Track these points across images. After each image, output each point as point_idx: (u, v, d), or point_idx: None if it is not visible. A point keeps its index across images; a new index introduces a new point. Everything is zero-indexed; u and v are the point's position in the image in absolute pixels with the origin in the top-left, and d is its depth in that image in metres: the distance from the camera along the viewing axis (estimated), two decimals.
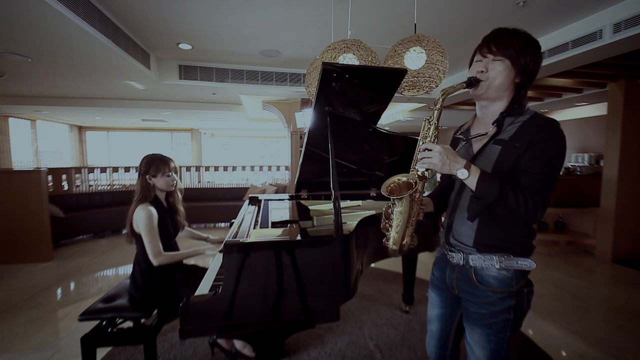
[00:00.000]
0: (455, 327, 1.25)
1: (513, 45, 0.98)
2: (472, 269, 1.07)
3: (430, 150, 0.96)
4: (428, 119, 1.03)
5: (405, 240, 1.08)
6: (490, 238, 1.04)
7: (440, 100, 1.00)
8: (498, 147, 1.02)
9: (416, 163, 1.02)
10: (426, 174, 1.02)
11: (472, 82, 1.02)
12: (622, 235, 4.04)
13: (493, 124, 1.05)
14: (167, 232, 1.85)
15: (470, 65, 1.10)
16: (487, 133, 1.06)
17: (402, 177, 1.05)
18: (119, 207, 5.25)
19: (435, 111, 1.01)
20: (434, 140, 1.01)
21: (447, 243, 1.17)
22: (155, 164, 1.80)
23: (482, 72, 1.02)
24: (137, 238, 1.78)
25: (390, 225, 1.07)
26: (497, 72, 1.00)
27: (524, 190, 0.93)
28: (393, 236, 1.07)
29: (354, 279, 1.40)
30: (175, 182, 1.89)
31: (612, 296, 3.05)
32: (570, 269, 3.75)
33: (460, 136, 1.17)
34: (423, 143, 1.00)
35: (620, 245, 4.03)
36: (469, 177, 0.95)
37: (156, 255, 1.71)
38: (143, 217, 1.70)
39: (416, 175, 1.02)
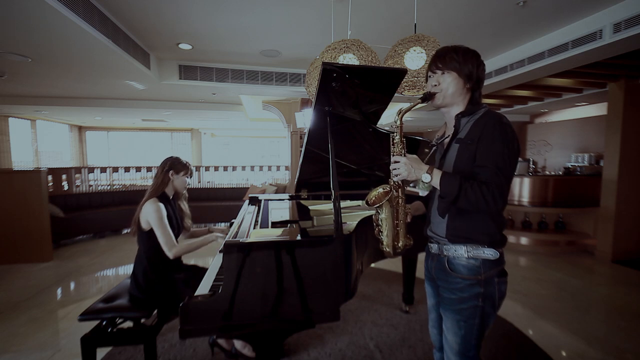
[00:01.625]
0: None
1: (454, 59, 1.14)
2: (446, 257, 1.18)
3: (398, 162, 1.13)
4: (393, 137, 1.19)
5: (400, 243, 1.23)
6: (460, 230, 1.14)
7: (399, 119, 1.18)
8: (457, 145, 1.15)
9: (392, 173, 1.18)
10: (400, 183, 1.19)
11: (427, 97, 1.17)
12: (622, 235, 4.03)
13: (454, 126, 1.18)
14: (172, 229, 1.87)
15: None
16: (448, 136, 1.21)
17: (380, 189, 1.22)
18: (118, 207, 5.25)
19: (397, 128, 1.19)
20: (401, 152, 1.17)
21: (426, 235, 1.29)
22: (180, 163, 1.96)
23: (436, 85, 1.17)
24: (141, 235, 1.79)
25: (381, 231, 1.25)
26: (447, 82, 1.15)
27: (482, 184, 1.03)
28: (385, 240, 1.24)
29: (354, 279, 1.40)
30: (187, 186, 2.05)
31: (612, 296, 3.05)
32: (570, 269, 3.75)
33: (434, 142, 1.31)
34: (392, 156, 1.17)
35: (620, 245, 4.02)
36: (432, 179, 1.09)
37: (171, 246, 1.75)
38: (152, 211, 1.75)
39: (391, 184, 1.19)
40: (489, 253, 1.11)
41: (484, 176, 1.05)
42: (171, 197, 1.98)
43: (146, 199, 1.82)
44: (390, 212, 1.21)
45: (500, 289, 1.14)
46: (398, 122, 1.18)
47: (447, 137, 1.21)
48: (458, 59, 1.13)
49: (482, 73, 1.17)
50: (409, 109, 1.14)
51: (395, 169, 1.14)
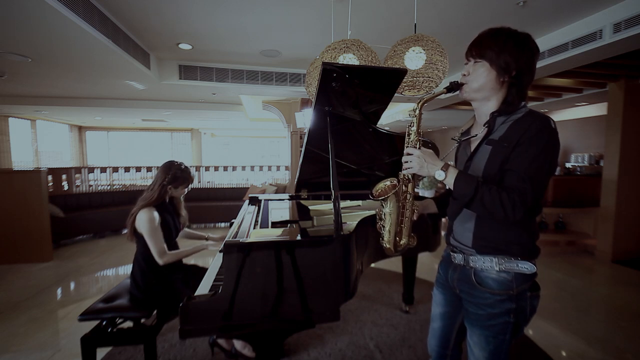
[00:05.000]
0: (458, 327, 1.25)
1: (491, 47, 0.99)
2: (472, 269, 1.08)
3: (411, 154, 1.04)
4: (409, 126, 1.10)
5: (402, 240, 1.17)
6: (488, 239, 1.04)
7: (418, 108, 1.07)
8: (489, 147, 1.03)
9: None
10: (410, 177, 1.12)
11: (453, 87, 1.05)
12: (622, 235, 4.03)
13: (484, 125, 1.06)
14: (169, 233, 1.87)
15: None
16: (477, 135, 1.10)
17: (387, 181, 1.17)
18: (119, 207, 5.24)
19: (415, 118, 1.08)
20: (415, 145, 1.07)
21: (448, 243, 1.20)
22: (182, 178, 1.89)
23: (465, 75, 1.05)
24: (138, 238, 1.80)
25: (383, 226, 1.18)
26: (477, 74, 1.02)
27: (502, 189, 0.93)
28: (386, 236, 1.18)
29: (354, 279, 1.40)
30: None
31: (612, 296, 3.05)
32: (570, 269, 3.75)
33: (456, 138, 1.20)
34: (406, 148, 1.08)
35: (620, 245, 4.02)
36: (446, 178, 0.99)
37: (161, 255, 1.74)
38: (146, 221, 1.73)
39: (400, 178, 1.12)
40: (524, 266, 1.01)
41: (508, 181, 0.95)
42: (167, 201, 1.94)
43: (141, 206, 1.78)
44: (395, 206, 1.13)
45: (532, 304, 1.05)
46: (417, 112, 1.07)
47: (474, 136, 1.10)
48: (495, 47, 0.97)
49: (528, 65, 0.99)
50: (431, 98, 1.05)
51: (406, 161, 1.05)
